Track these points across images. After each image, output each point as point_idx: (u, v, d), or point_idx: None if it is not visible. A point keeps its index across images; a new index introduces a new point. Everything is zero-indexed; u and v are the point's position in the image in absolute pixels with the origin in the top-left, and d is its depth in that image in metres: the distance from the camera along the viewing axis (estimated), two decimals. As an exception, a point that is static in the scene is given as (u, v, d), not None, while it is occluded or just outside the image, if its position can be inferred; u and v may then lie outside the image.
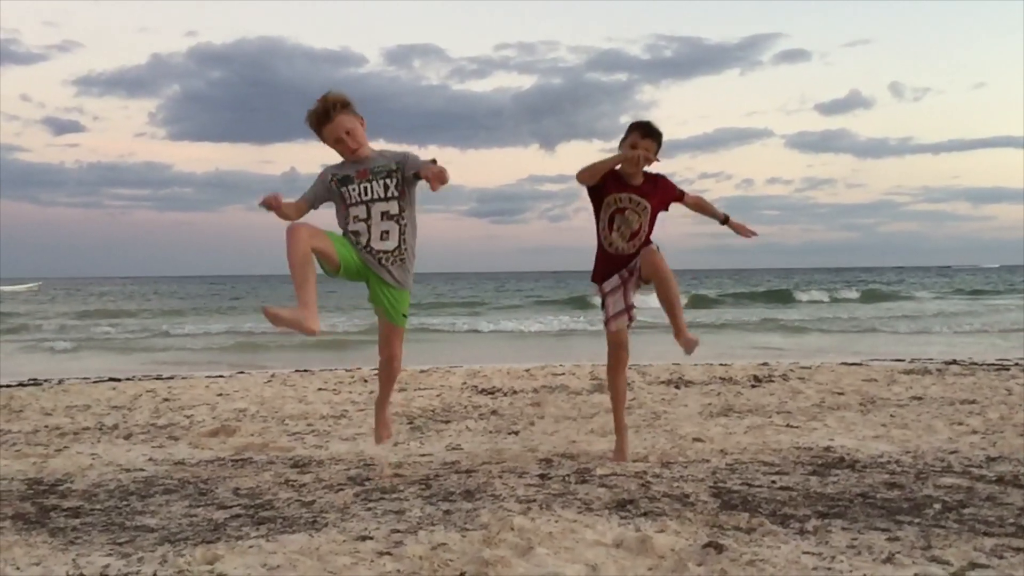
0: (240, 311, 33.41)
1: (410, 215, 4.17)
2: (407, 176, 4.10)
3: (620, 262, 4.78)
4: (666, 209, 4.86)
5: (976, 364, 10.34)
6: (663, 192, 4.79)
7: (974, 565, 3.05)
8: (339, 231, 4.17)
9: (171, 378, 10.16)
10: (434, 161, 4.08)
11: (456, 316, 28.14)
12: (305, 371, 10.45)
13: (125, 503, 4.11)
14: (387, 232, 4.13)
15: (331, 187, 4.11)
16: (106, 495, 4.28)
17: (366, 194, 4.07)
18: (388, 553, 3.21)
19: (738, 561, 3.08)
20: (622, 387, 5.03)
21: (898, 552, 3.18)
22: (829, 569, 3.02)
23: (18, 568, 3.14)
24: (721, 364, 10.56)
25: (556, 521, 3.59)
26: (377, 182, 4.07)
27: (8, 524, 3.73)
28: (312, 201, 4.14)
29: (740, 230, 4.96)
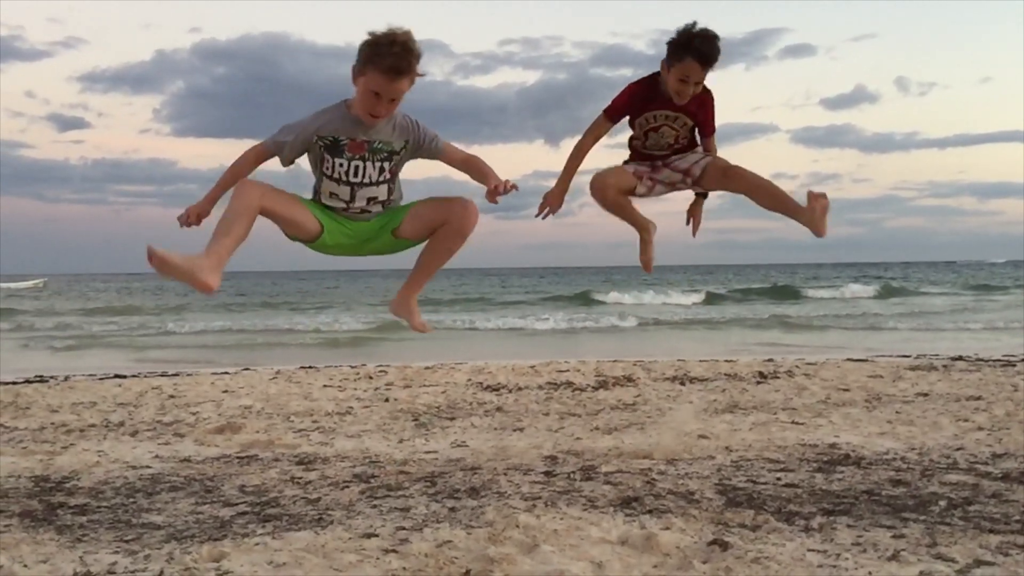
0: (246, 308, 33.47)
1: (399, 192, 3.39)
2: (415, 154, 3.34)
3: (657, 157, 4.02)
4: (706, 133, 4.12)
5: (982, 360, 10.31)
6: (703, 113, 4.00)
7: (979, 562, 3.05)
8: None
9: (176, 375, 10.18)
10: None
11: (461, 312, 28.14)
12: (310, 368, 10.46)
13: (132, 500, 4.13)
14: (367, 211, 3.32)
15: (314, 145, 3.22)
16: (113, 492, 4.29)
17: (355, 174, 3.23)
18: (394, 551, 3.22)
19: (743, 559, 3.08)
20: (608, 205, 4.04)
21: (903, 549, 3.18)
22: (834, 567, 3.02)
23: (26, 566, 3.16)
24: (726, 360, 10.55)
25: (561, 518, 3.60)
26: (373, 163, 3.23)
27: (16, 522, 3.74)
28: (282, 149, 3.22)
29: (694, 216, 4.28)
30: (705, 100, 3.97)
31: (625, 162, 4.14)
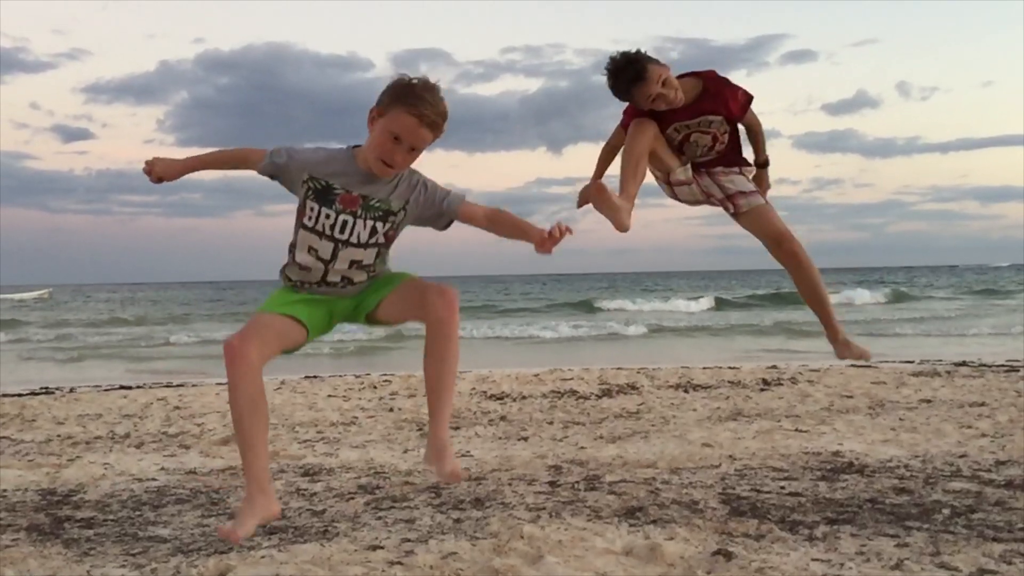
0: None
1: (385, 262, 2.97)
2: (420, 220, 2.94)
3: (701, 164, 3.79)
4: (739, 113, 3.79)
5: (985, 366, 10.31)
6: (726, 103, 3.70)
7: (983, 571, 3.06)
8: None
9: (181, 386, 10.20)
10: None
11: (464, 320, 28.12)
12: (315, 377, 10.48)
13: (138, 513, 4.15)
14: (349, 279, 2.89)
15: (302, 186, 2.83)
16: (119, 505, 4.31)
17: (341, 231, 2.80)
18: (399, 563, 3.23)
19: (747, 569, 3.09)
20: (636, 149, 3.71)
21: (907, 558, 3.19)
22: (838, 575, 3.03)
23: (33, 580, 3.17)
24: (730, 367, 10.55)
25: (566, 529, 3.61)
26: (365, 221, 2.81)
27: (23, 535, 3.76)
28: (269, 167, 2.87)
29: (761, 184, 3.90)
30: (719, 87, 3.68)
31: None
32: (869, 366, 10.51)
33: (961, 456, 5.07)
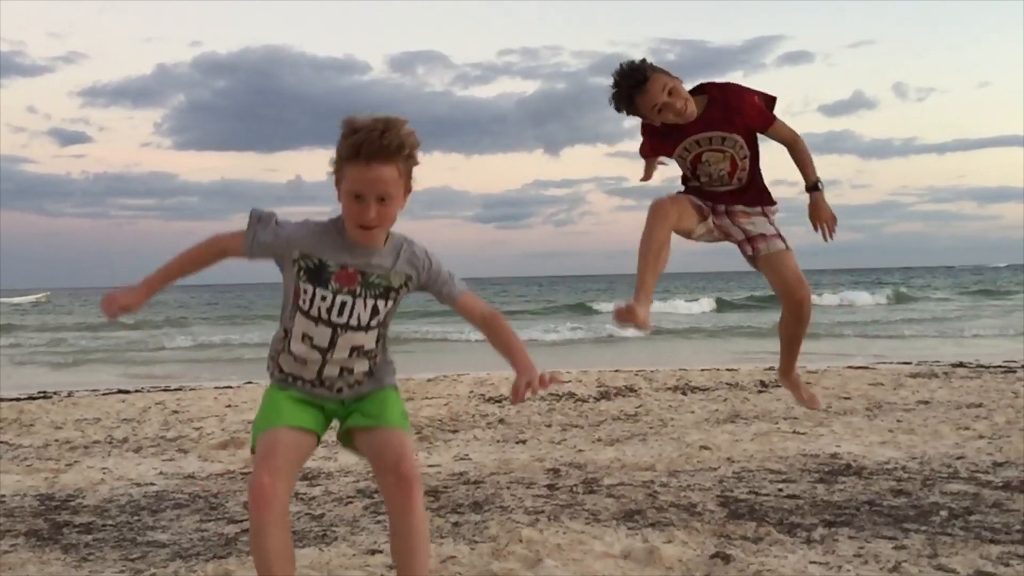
0: (248, 320, 33.48)
1: (386, 352, 2.63)
2: (421, 290, 2.61)
3: (721, 196, 3.54)
4: (763, 128, 3.50)
5: (983, 367, 10.33)
6: (740, 112, 3.42)
7: (980, 573, 3.07)
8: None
9: (179, 389, 10.20)
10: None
11: (461, 323, 28.10)
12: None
13: (136, 518, 4.15)
14: (349, 370, 2.54)
15: (293, 265, 2.48)
16: (117, 510, 4.31)
17: (339, 314, 2.47)
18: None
19: (745, 571, 3.10)
20: (656, 242, 3.47)
21: (905, 561, 3.20)
22: (836, 579, 3.04)
23: (32, 585, 3.18)
24: (728, 369, 10.56)
25: (564, 532, 3.61)
26: (365, 300, 2.48)
27: (22, 541, 3.76)
28: (251, 248, 2.50)
29: (818, 215, 3.54)
30: (725, 96, 3.46)
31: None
32: (866, 367, 10.53)
33: (959, 458, 5.08)
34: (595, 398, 8.20)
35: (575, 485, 4.58)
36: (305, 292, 2.47)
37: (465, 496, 4.39)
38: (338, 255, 2.47)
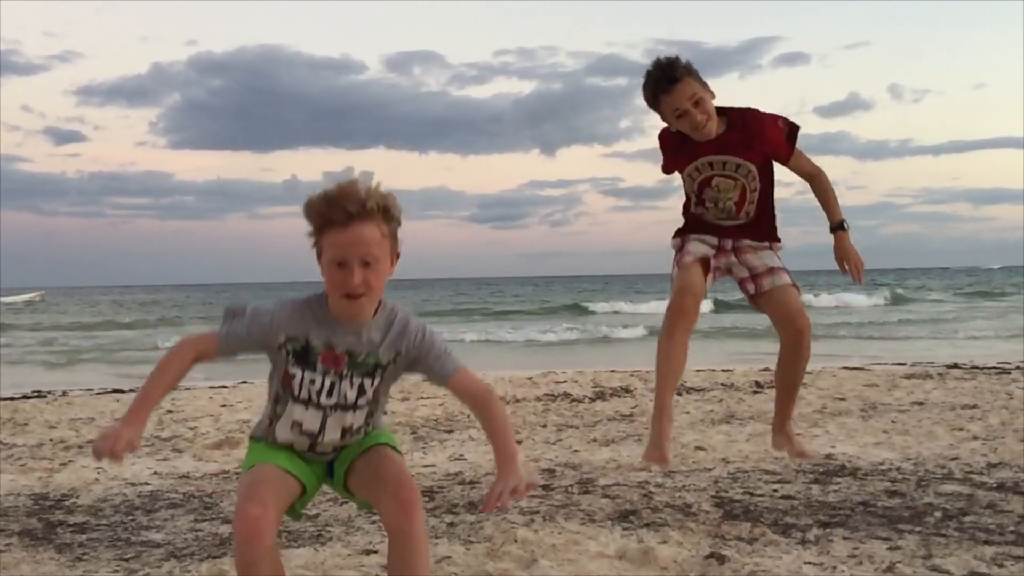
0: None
1: (380, 416, 2.53)
2: (412, 370, 2.45)
3: (728, 231, 3.40)
4: (781, 158, 3.34)
5: (977, 368, 10.35)
6: (760, 138, 3.31)
7: (975, 574, 3.08)
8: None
9: (174, 389, 10.19)
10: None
11: (457, 323, 28.15)
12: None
13: (131, 518, 4.14)
14: (338, 447, 2.46)
15: (279, 350, 2.35)
16: (112, 510, 4.31)
17: (329, 395, 2.35)
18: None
19: (740, 572, 3.10)
20: (676, 353, 3.39)
21: (899, 561, 3.20)
22: (830, 579, 3.04)
23: (26, 585, 3.17)
24: (723, 370, 10.58)
25: (559, 533, 3.62)
26: (351, 379, 2.36)
27: (15, 540, 3.75)
28: (230, 346, 2.37)
29: (845, 258, 3.34)
30: (745, 120, 3.31)
31: (679, 232, 3.43)
32: (861, 368, 10.55)
33: (953, 458, 5.09)
34: (591, 398, 8.20)
35: (570, 485, 4.58)
36: (294, 377, 2.33)
37: (460, 496, 4.39)
38: (323, 334, 2.31)
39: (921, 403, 7.45)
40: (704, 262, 3.34)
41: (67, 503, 4.47)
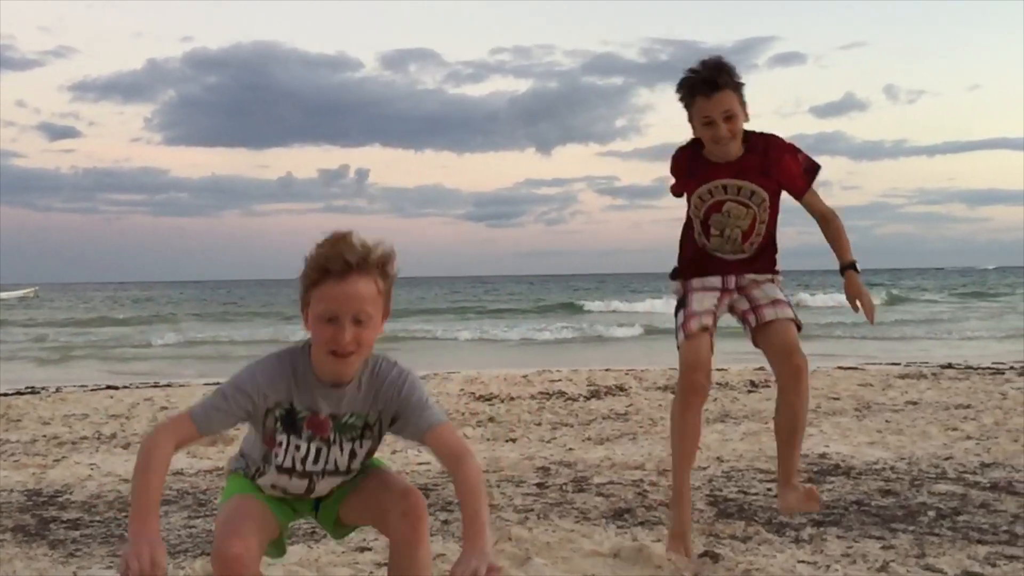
0: (237, 317, 33.40)
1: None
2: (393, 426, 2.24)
3: (730, 267, 3.21)
4: (795, 192, 3.16)
5: (971, 368, 10.37)
6: (778, 166, 3.11)
7: (968, 573, 3.08)
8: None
9: (168, 386, 10.17)
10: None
11: (453, 321, 28.15)
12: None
13: (124, 514, 4.13)
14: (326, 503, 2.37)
15: (263, 419, 2.16)
16: (105, 506, 4.30)
17: (315, 461, 2.20)
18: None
19: (734, 570, 3.10)
20: (691, 432, 3.21)
21: (892, 560, 3.21)
22: (824, 578, 3.05)
23: (19, 581, 3.16)
24: (718, 369, 10.58)
25: (554, 531, 3.62)
26: (341, 445, 2.21)
27: (8, 536, 3.75)
28: (211, 426, 2.12)
29: (857, 298, 3.17)
30: (766, 146, 3.11)
31: (679, 273, 3.24)
32: (856, 368, 10.56)
33: (946, 458, 5.10)
34: (585, 397, 8.20)
35: (565, 484, 4.58)
36: (280, 444, 2.18)
37: (454, 494, 4.37)
38: (305, 398, 2.15)
39: (915, 403, 7.46)
40: (712, 316, 3.17)
41: (60, 499, 4.46)
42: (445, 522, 3.81)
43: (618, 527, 3.71)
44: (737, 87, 3.08)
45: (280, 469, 2.20)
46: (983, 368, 10.28)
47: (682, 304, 3.22)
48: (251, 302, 47.29)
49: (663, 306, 31.46)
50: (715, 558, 3.22)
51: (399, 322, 26.79)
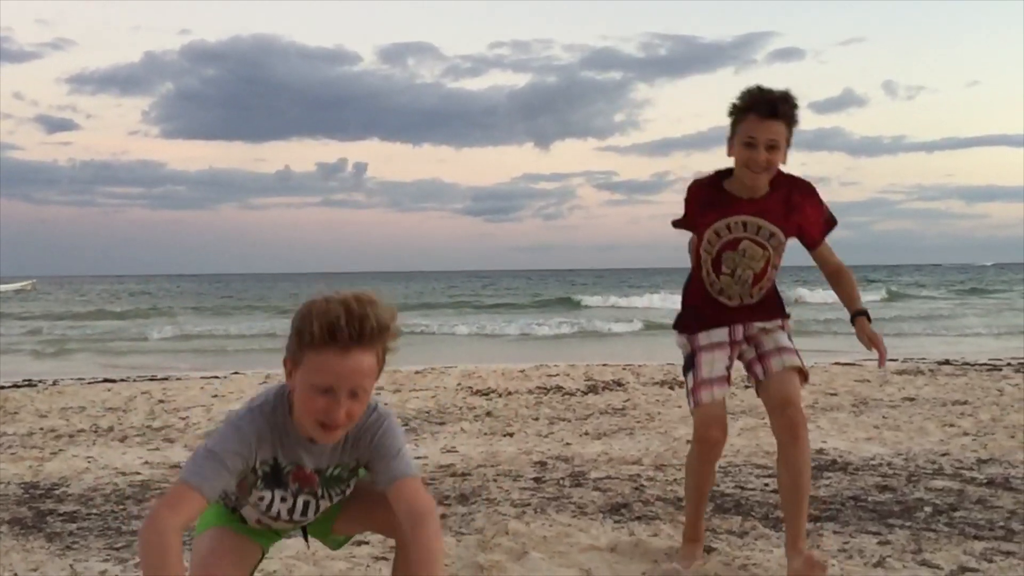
0: (235, 311, 33.38)
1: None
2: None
3: (736, 315, 3.09)
4: (809, 240, 3.10)
5: (968, 364, 10.38)
6: (801, 210, 3.01)
7: (964, 569, 3.09)
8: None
9: (166, 379, 10.16)
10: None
11: (450, 316, 28.15)
12: (300, 372, 10.46)
13: (121, 507, 4.13)
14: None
15: (249, 474, 2.05)
16: (102, 499, 4.29)
17: (303, 512, 2.15)
18: (384, 558, 3.23)
19: (731, 565, 3.11)
20: (707, 479, 3.18)
21: (889, 556, 3.22)
22: (821, 573, 3.05)
23: (16, 574, 3.17)
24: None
25: (551, 525, 3.62)
26: (331, 497, 2.17)
27: (5, 529, 3.74)
28: (215, 493, 1.94)
29: (872, 342, 3.05)
30: (791, 189, 2.99)
31: (683, 326, 3.14)
32: (853, 364, 10.57)
33: (943, 454, 5.11)
34: (583, 392, 8.20)
35: (562, 478, 4.58)
36: (263, 499, 2.09)
37: (452, 488, 4.38)
38: (289, 453, 2.05)
39: (912, 399, 7.47)
40: (724, 387, 3.07)
41: (57, 492, 4.46)
42: (442, 516, 3.81)
43: (615, 522, 3.72)
44: (792, 123, 2.96)
45: (264, 514, 2.13)
46: (980, 364, 10.29)
47: (690, 365, 3.12)
48: (248, 295, 47.25)
49: (661, 301, 31.47)
50: (712, 552, 3.22)
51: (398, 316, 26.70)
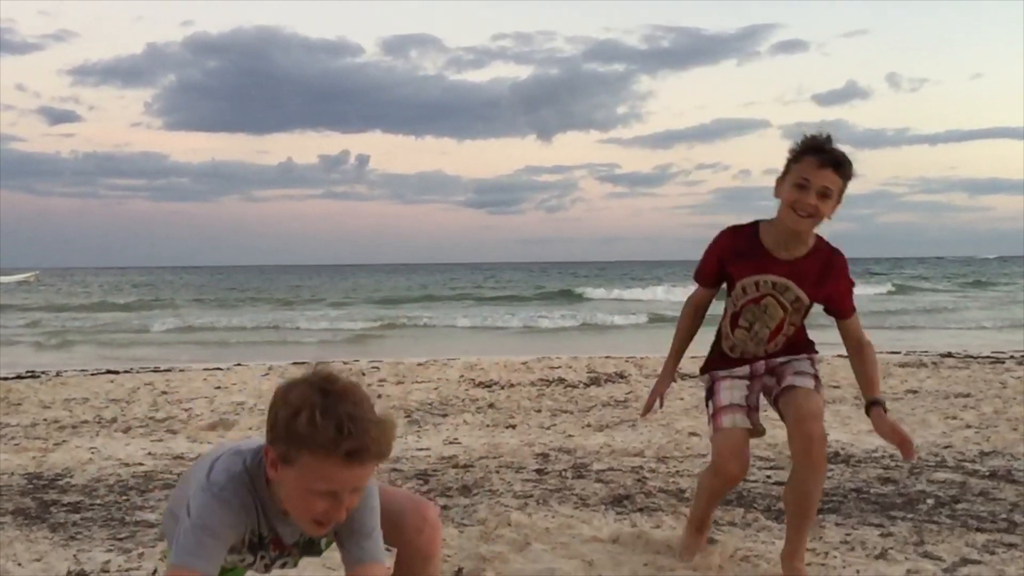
0: (238, 303, 33.40)
1: None
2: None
3: (757, 356, 3.09)
4: (840, 313, 3.05)
5: (971, 357, 10.37)
6: (836, 284, 2.97)
7: (966, 561, 3.09)
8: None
9: (169, 371, 10.17)
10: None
11: (453, 308, 28.15)
12: (302, 363, 10.47)
13: (125, 498, 4.14)
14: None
15: (238, 543, 1.98)
16: (106, 490, 4.30)
17: (281, 566, 2.14)
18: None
19: (733, 557, 3.11)
20: (718, 498, 3.18)
21: (891, 548, 3.22)
22: (823, 564, 3.06)
23: (19, 564, 3.17)
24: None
25: (553, 517, 3.63)
26: (302, 556, 2.15)
27: (9, 519, 3.75)
28: (214, 570, 1.87)
29: (894, 436, 2.96)
30: (830, 260, 2.95)
31: (706, 367, 3.21)
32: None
33: (946, 447, 5.11)
34: (585, 384, 8.21)
35: (564, 470, 4.59)
36: (243, 561, 2.05)
37: (454, 480, 4.39)
38: (267, 526, 1.99)
39: (915, 391, 7.47)
40: (744, 414, 3.05)
41: (61, 483, 4.47)
42: (445, 507, 3.82)
43: (617, 513, 3.72)
44: (847, 180, 2.90)
45: (248, 565, 2.09)
46: (983, 357, 10.29)
47: (710, 394, 3.14)
48: (251, 287, 47.28)
49: (664, 293, 31.48)
50: (714, 544, 3.22)
51: (399, 308, 26.79)
